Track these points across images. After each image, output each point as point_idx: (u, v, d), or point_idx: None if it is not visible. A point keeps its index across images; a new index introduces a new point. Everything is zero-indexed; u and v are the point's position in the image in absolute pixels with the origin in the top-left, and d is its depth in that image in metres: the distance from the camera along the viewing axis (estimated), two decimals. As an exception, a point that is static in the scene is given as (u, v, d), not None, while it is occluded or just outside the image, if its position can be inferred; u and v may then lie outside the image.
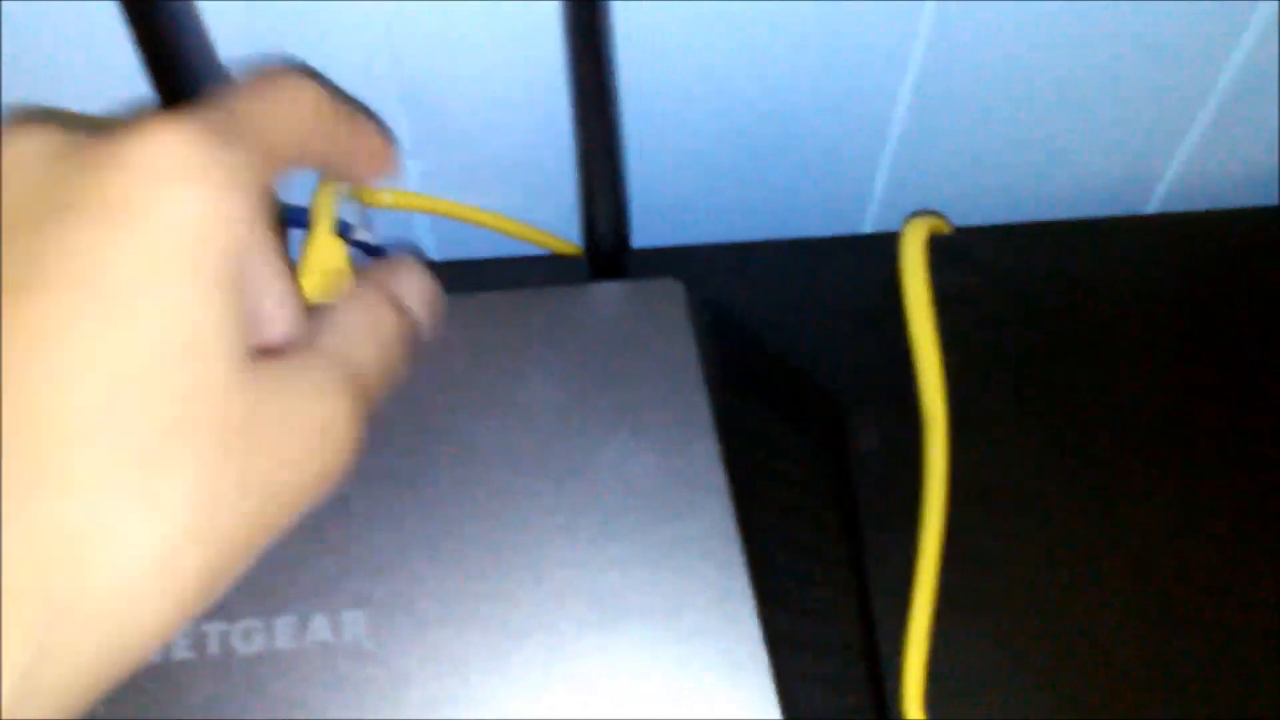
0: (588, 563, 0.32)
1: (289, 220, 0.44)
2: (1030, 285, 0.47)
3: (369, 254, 0.48)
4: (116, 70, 0.42)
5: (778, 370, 0.43)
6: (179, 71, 0.37)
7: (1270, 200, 0.53)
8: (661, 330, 0.36)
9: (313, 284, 0.38)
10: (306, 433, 0.25)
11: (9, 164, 0.24)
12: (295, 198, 0.45)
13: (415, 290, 0.33)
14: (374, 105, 0.44)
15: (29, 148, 0.24)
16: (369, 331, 0.29)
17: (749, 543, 0.33)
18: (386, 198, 0.48)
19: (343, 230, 0.43)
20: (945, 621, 0.40)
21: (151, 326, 0.23)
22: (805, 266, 0.48)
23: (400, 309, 0.31)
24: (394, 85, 0.44)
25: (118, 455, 0.22)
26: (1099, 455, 0.43)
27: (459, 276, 0.48)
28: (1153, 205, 0.54)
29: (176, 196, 0.23)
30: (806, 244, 0.49)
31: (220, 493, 0.23)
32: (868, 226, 0.53)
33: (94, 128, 0.25)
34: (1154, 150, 0.51)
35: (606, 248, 0.41)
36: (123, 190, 0.23)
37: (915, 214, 0.47)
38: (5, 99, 0.44)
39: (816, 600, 0.38)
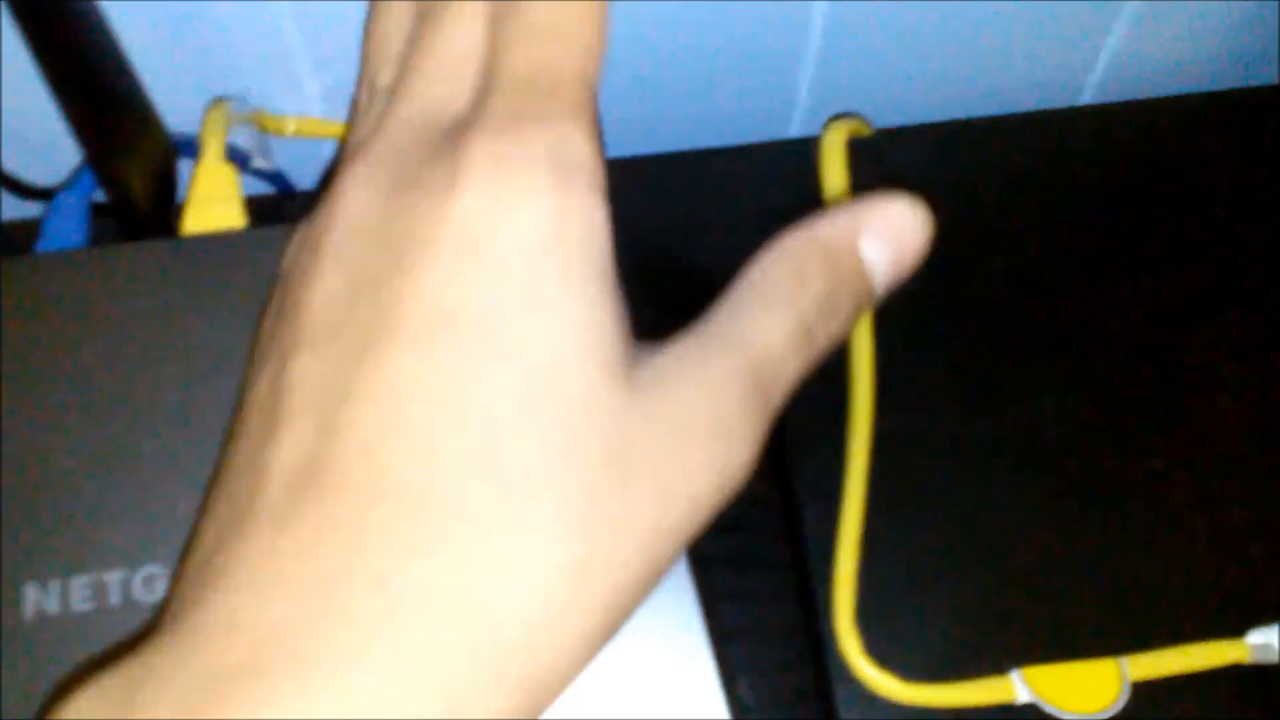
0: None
1: (177, 148, 0.42)
2: (953, 186, 0.45)
3: (271, 183, 0.46)
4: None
5: (700, 287, 0.42)
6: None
7: (1201, 86, 0.52)
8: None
9: (199, 215, 0.37)
10: (700, 438, 0.23)
11: (349, 215, 0.23)
12: (185, 125, 0.43)
13: (886, 236, 0.27)
14: (261, 20, 0.42)
15: (362, 193, 0.24)
16: (783, 301, 0.25)
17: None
18: (290, 125, 0.46)
19: (238, 158, 0.41)
20: (875, 533, 0.39)
21: (520, 359, 0.22)
22: (728, 176, 0.46)
23: (849, 267, 0.26)
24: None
25: (509, 488, 0.21)
26: (1026, 355, 0.42)
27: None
28: (1086, 96, 0.52)
29: (522, 216, 0.22)
30: (728, 152, 0.47)
31: (613, 516, 0.22)
32: (794, 130, 0.51)
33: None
34: (1084, 39, 0.50)
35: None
36: (464, 222, 0.22)
37: (834, 117, 0.45)
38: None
39: (742, 516, 0.37)
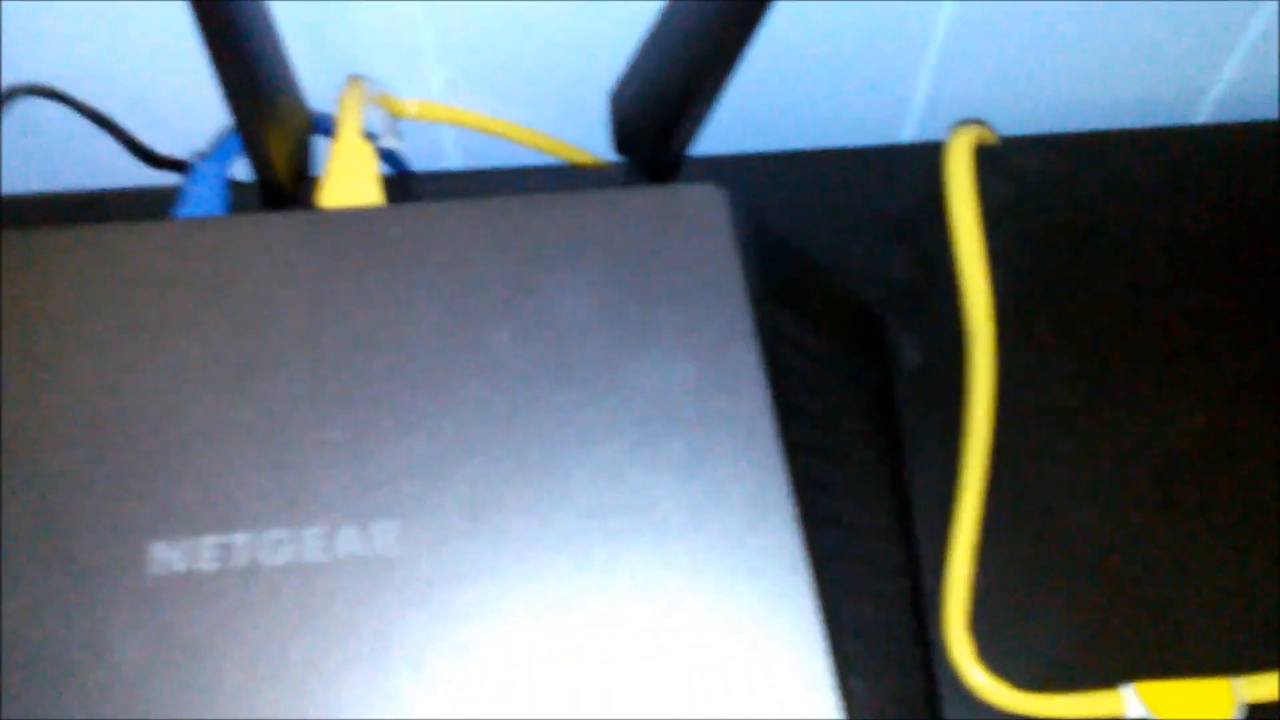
0: (624, 473, 0.32)
1: (316, 127, 0.42)
2: (1077, 197, 0.45)
3: (393, 165, 0.47)
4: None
5: (820, 281, 0.42)
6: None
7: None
8: (701, 237, 0.35)
9: (337, 190, 0.37)
10: None
11: None
12: (317, 104, 0.44)
13: None
14: (395, 10, 0.43)
15: None
16: None
17: (789, 456, 0.32)
18: (411, 108, 0.47)
19: (368, 137, 0.42)
20: (988, 540, 0.39)
21: None
22: (844, 176, 0.46)
23: None
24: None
25: None
26: (1145, 371, 0.42)
27: (486, 187, 0.47)
28: (1202, 115, 0.52)
29: None
30: (845, 153, 0.47)
31: None
32: (906, 136, 0.51)
33: None
34: (1204, 58, 0.49)
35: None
36: None
37: (960, 123, 0.45)
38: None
39: (858, 516, 0.37)
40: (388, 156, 0.46)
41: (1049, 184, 0.45)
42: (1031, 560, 0.39)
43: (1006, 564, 0.39)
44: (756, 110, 0.49)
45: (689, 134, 0.38)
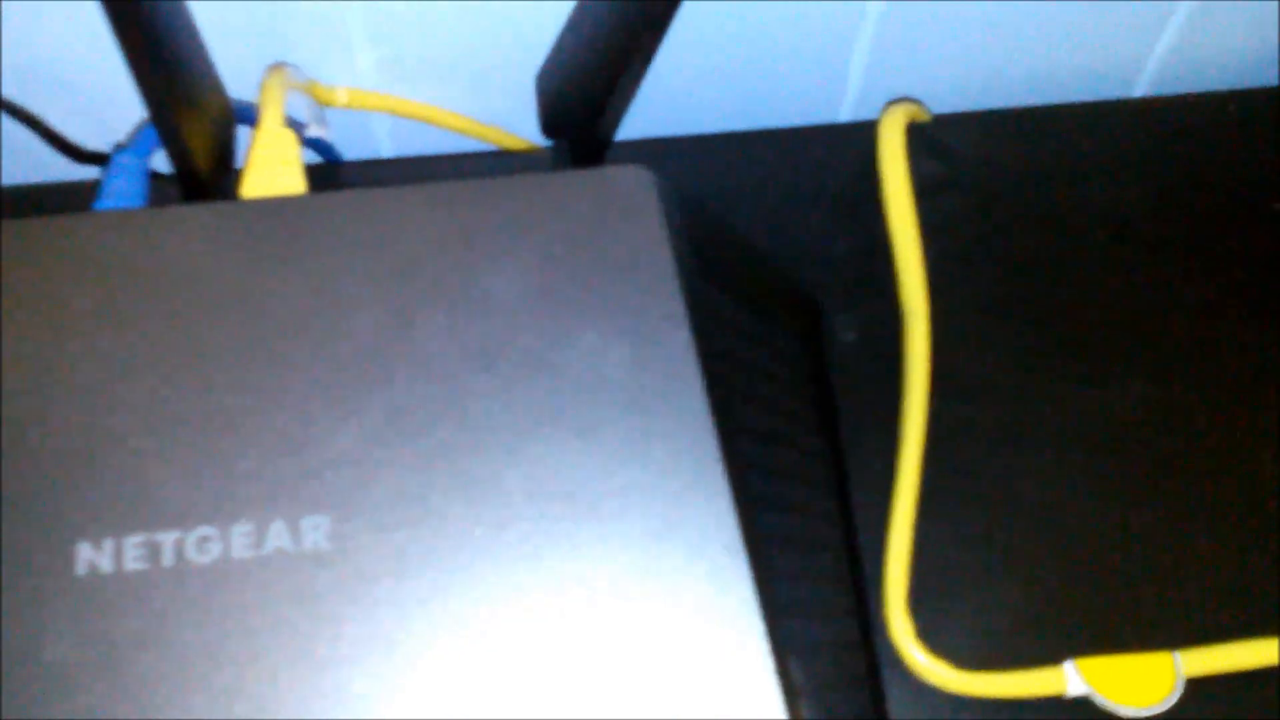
0: (558, 459, 0.31)
1: (239, 116, 0.42)
2: (1012, 173, 0.45)
3: (322, 154, 0.46)
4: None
5: (753, 262, 0.42)
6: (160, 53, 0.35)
7: (1256, 83, 0.51)
8: (630, 219, 0.34)
9: (258, 179, 0.36)
10: None
11: None
12: (245, 93, 0.43)
13: None
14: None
15: None
16: None
17: (724, 438, 0.32)
18: (341, 96, 0.46)
19: (293, 126, 0.41)
20: (927, 520, 0.39)
21: None
22: (780, 157, 0.46)
23: None
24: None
25: None
26: (1082, 346, 0.42)
27: (418, 174, 0.46)
28: (1139, 90, 0.52)
29: None
30: (781, 134, 0.47)
31: None
32: (844, 115, 0.51)
33: None
34: (1140, 31, 0.49)
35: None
36: None
37: (893, 101, 0.45)
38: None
39: (795, 497, 0.37)
40: (316, 145, 0.45)
41: (983, 161, 0.45)
42: (971, 539, 0.39)
43: (946, 543, 0.39)
44: (694, 92, 0.49)
45: (616, 115, 0.38)
